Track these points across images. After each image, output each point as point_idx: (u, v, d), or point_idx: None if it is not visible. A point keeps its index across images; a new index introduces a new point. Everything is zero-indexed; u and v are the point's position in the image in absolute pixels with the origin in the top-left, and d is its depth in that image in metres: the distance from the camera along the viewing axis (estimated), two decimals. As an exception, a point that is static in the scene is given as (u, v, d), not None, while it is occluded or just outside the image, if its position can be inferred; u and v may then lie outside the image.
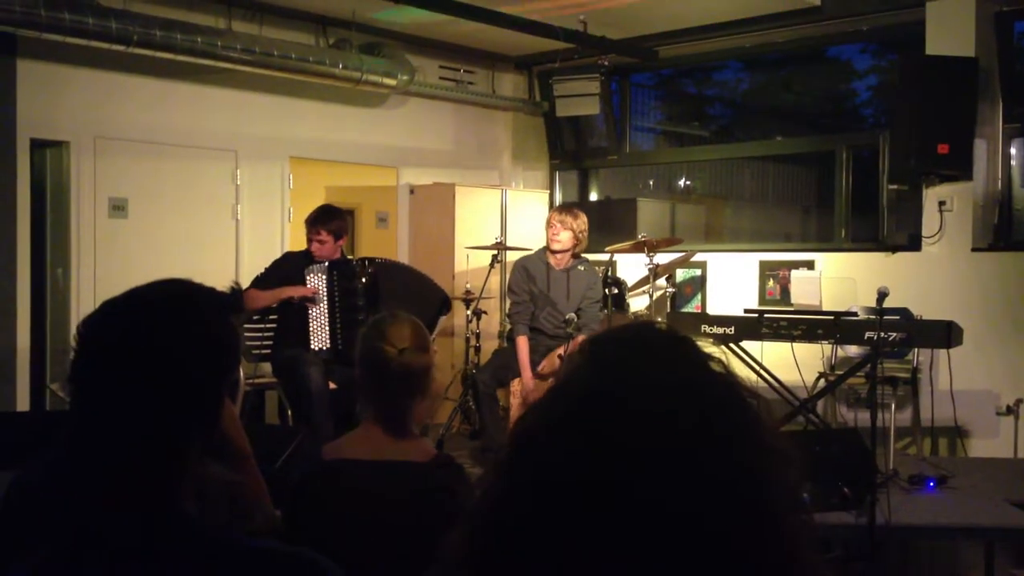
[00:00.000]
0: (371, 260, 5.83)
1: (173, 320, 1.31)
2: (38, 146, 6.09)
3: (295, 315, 5.59)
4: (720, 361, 0.87)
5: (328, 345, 5.59)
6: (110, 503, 1.24)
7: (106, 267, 6.16)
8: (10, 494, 1.90)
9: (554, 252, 6.03)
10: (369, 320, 2.55)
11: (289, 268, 5.67)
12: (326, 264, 5.62)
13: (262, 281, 5.60)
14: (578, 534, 0.76)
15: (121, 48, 5.74)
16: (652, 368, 0.84)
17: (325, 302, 5.59)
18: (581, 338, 5.55)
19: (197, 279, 1.39)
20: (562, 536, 0.77)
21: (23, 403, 5.87)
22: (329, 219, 5.65)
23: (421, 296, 5.87)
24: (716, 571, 0.76)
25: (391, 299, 5.52)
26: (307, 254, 5.71)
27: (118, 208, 6.30)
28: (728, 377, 0.85)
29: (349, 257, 5.86)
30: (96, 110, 6.18)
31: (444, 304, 6.06)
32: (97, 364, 1.27)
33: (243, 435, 2.29)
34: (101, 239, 6.21)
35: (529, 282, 6.03)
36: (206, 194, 6.72)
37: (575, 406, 0.82)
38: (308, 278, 5.59)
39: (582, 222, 6.06)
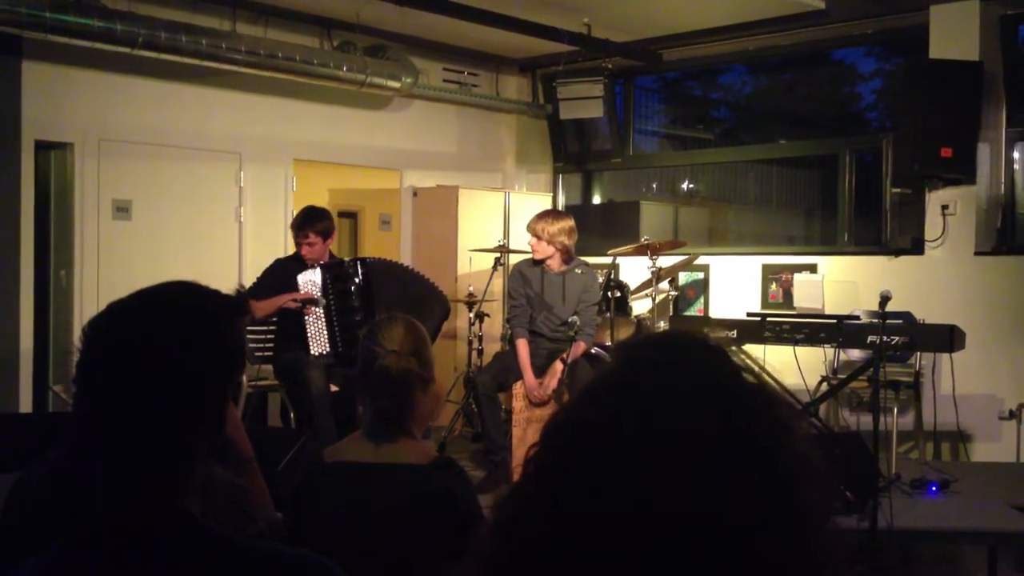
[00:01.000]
0: (363, 260, 5.81)
1: (179, 323, 1.31)
2: (43, 148, 6.11)
3: (293, 320, 5.57)
4: (753, 372, 0.87)
5: (328, 349, 5.57)
6: (114, 505, 1.25)
7: (110, 269, 6.16)
8: (13, 495, 1.91)
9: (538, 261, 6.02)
10: (363, 319, 2.56)
11: (280, 275, 5.64)
12: (317, 268, 5.60)
13: (254, 292, 5.54)
14: (610, 540, 0.76)
15: (126, 50, 5.75)
16: (686, 374, 0.84)
17: (321, 306, 5.57)
18: (582, 344, 5.57)
19: (200, 281, 1.40)
20: (593, 541, 0.76)
21: (26, 404, 5.88)
22: (316, 220, 5.62)
23: (422, 303, 5.82)
24: None
25: (388, 300, 5.51)
26: (297, 258, 5.68)
27: (122, 210, 6.31)
28: (762, 387, 0.85)
29: (338, 260, 5.82)
30: (101, 112, 6.19)
31: (445, 313, 6.03)
32: (102, 366, 1.28)
33: (245, 438, 2.30)
34: (105, 241, 6.22)
35: (525, 286, 6.02)
36: (210, 196, 6.73)
37: (609, 407, 0.82)
38: (301, 283, 5.56)
39: (558, 228, 5.92)
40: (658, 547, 0.75)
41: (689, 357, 0.87)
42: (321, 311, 5.57)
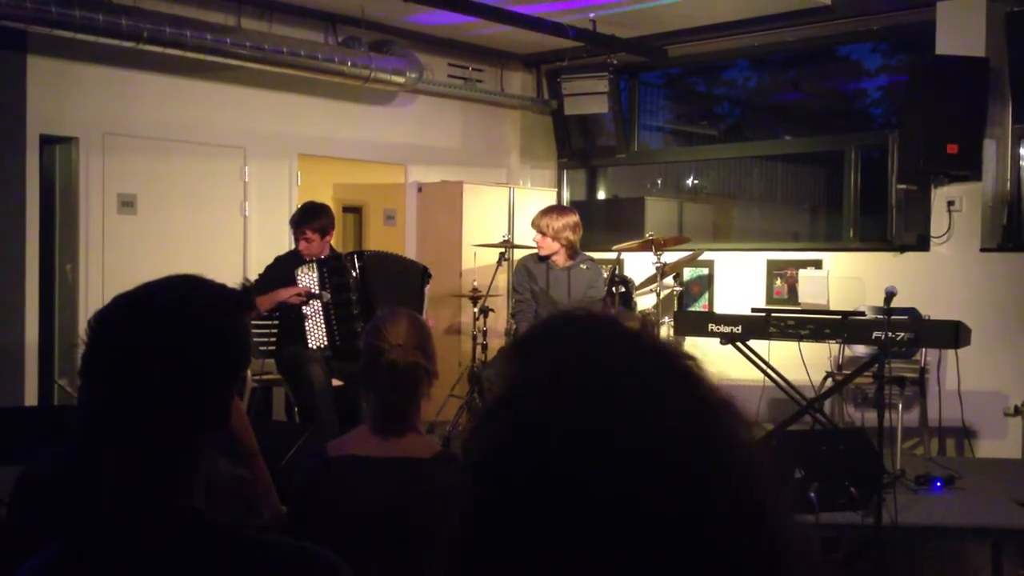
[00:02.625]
0: (360, 254, 5.82)
1: (184, 317, 1.31)
2: (48, 142, 6.11)
3: (293, 315, 5.59)
4: (649, 334, 0.85)
5: (326, 343, 5.59)
6: (120, 498, 1.25)
7: (114, 263, 6.17)
8: (19, 488, 1.91)
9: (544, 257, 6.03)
10: (360, 313, 2.57)
11: (280, 271, 5.66)
12: (314, 263, 5.62)
13: (256, 289, 5.57)
14: (544, 541, 0.75)
15: (131, 45, 5.75)
16: (580, 351, 0.82)
17: (318, 300, 5.59)
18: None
19: (205, 275, 1.40)
20: (528, 547, 0.76)
21: (31, 398, 5.89)
22: (313, 217, 5.63)
23: (403, 277, 5.86)
24: (685, 570, 0.75)
25: (381, 289, 5.53)
26: (296, 254, 5.70)
27: (127, 204, 6.32)
28: (663, 348, 0.84)
29: (338, 254, 5.83)
30: (106, 106, 6.20)
31: (424, 275, 6.03)
32: (108, 359, 1.28)
33: (250, 432, 2.30)
34: (110, 235, 6.22)
35: (531, 281, 6.02)
36: (214, 191, 6.73)
37: (511, 411, 0.81)
38: (299, 278, 5.57)
39: (563, 224, 5.94)
40: (592, 542, 0.74)
41: (578, 334, 0.85)
42: (319, 305, 5.58)
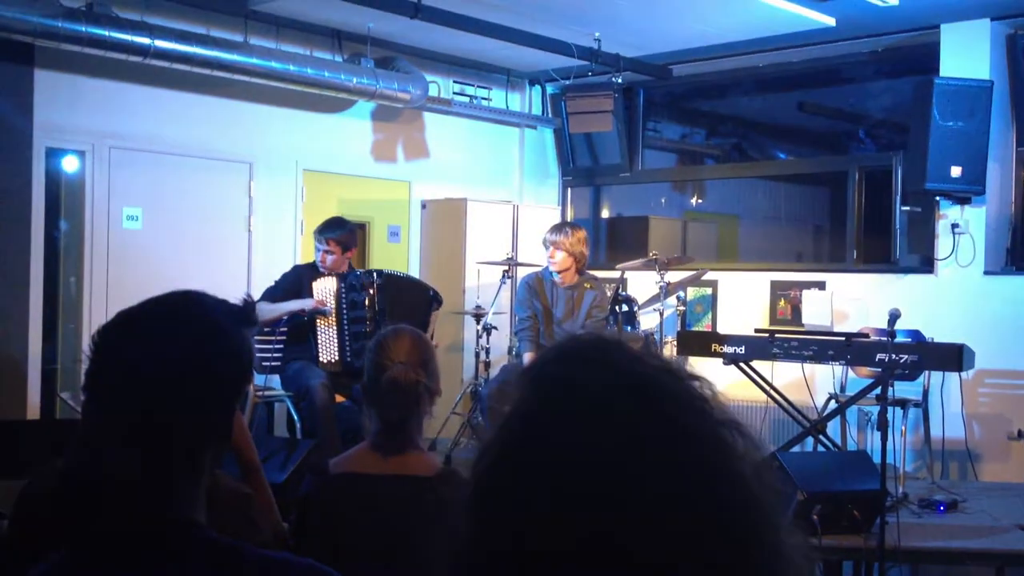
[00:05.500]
0: (378, 272, 5.83)
1: (187, 331, 1.31)
2: (54, 155, 6.13)
3: (304, 328, 5.60)
4: (656, 355, 0.85)
5: (336, 358, 5.59)
6: (122, 513, 1.25)
7: (119, 277, 6.18)
8: (21, 502, 1.91)
9: (553, 274, 6.03)
10: (373, 332, 2.58)
11: (297, 280, 5.68)
12: (333, 277, 5.62)
13: (271, 294, 5.61)
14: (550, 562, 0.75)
15: (138, 59, 5.78)
16: (583, 375, 0.82)
17: (333, 315, 5.59)
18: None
19: (209, 290, 1.40)
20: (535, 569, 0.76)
21: (34, 412, 5.88)
22: (338, 230, 5.66)
23: (413, 300, 5.85)
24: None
25: (394, 310, 5.53)
26: (314, 266, 5.72)
27: (132, 218, 6.33)
28: (667, 369, 0.84)
29: (357, 270, 5.85)
30: (112, 120, 6.22)
31: (434, 299, 6.02)
32: (111, 374, 1.28)
33: (252, 447, 2.30)
34: (115, 249, 6.23)
35: (534, 299, 6.02)
36: (220, 205, 6.75)
37: (520, 436, 0.81)
38: (316, 290, 5.59)
39: (576, 239, 5.97)
40: (595, 560, 0.74)
41: (584, 358, 0.85)
42: (333, 319, 5.59)
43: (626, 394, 0.80)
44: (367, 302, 5.63)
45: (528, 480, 0.78)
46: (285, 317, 5.55)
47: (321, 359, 5.57)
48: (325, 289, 5.60)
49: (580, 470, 0.76)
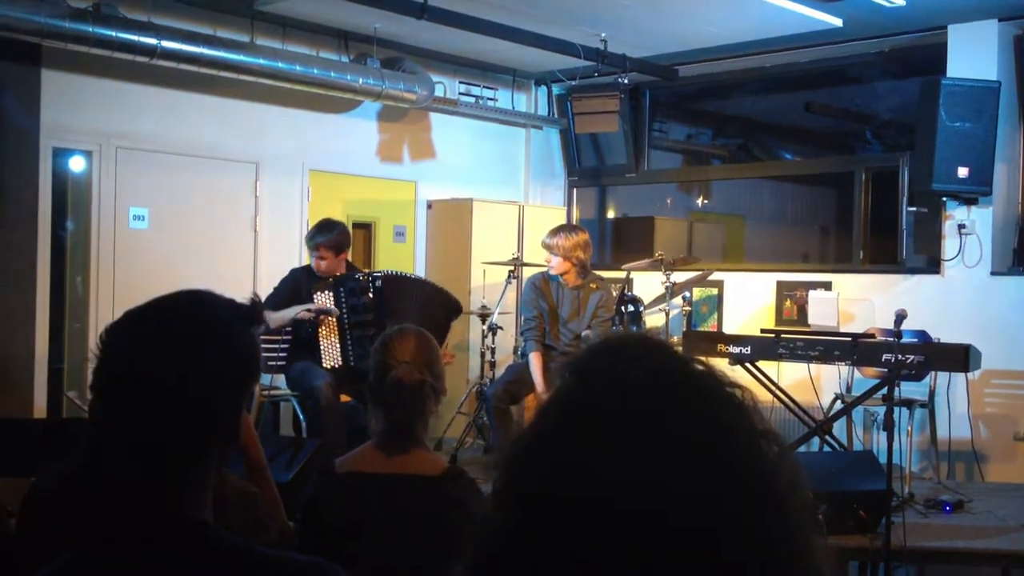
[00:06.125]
0: (377, 273, 5.81)
1: (195, 331, 1.32)
2: (61, 155, 6.15)
3: (306, 332, 5.58)
4: (700, 360, 0.86)
5: (340, 363, 5.58)
6: (129, 511, 1.25)
7: (125, 276, 6.19)
8: (28, 500, 1.92)
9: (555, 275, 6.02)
10: (375, 334, 2.58)
11: (295, 285, 5.65)
12: (331, 281, 5.60)
13: (272, 301, 5.54)
14: (581, 550, 0.76)
15: (145, 60, 5.79)
16: (629, 368, 0.83)
17: (334, 319, 5.57)
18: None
19: (215, 290, 1.40)
20: (565, 556, 0.76)
21: (40, 411, 5.90)
22: (327, 234, 5.60)
23: (427, 304, 5.81)
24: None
25: (399, 312, 5.51)
26: (309, 270, 5.69)
27: (138, 218, 6.34)
28: (710, 373, 0.84)
29: (355, 271, 5.82)
30: (119, 120, 6.23)
31: (454, 311, 5.99)
32: (118, 373, 1.28)
33: (259, 447, 2.30)
34: (121, 248, 6.24)
35: (540, 299, 6.02)
36: (226, 205, 6.76)
37: (558, 422, 0.82)
38: (316, 296, 5.56)
39: (574, 243, 5.92)
40: (625, 554, 0.74)
41: (629, 353, 0.86)
42: (335, 324, 5.57)
43: (666, 388, 0.80)
44: (368, 305, 5.61)
45: (560, 468, 0.78)
46: (288, 326, 5.52)
47: (324, 364, 5.55)
48: (325, 295, 5.57)
49: (614, 459, 0.77)
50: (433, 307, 5.83)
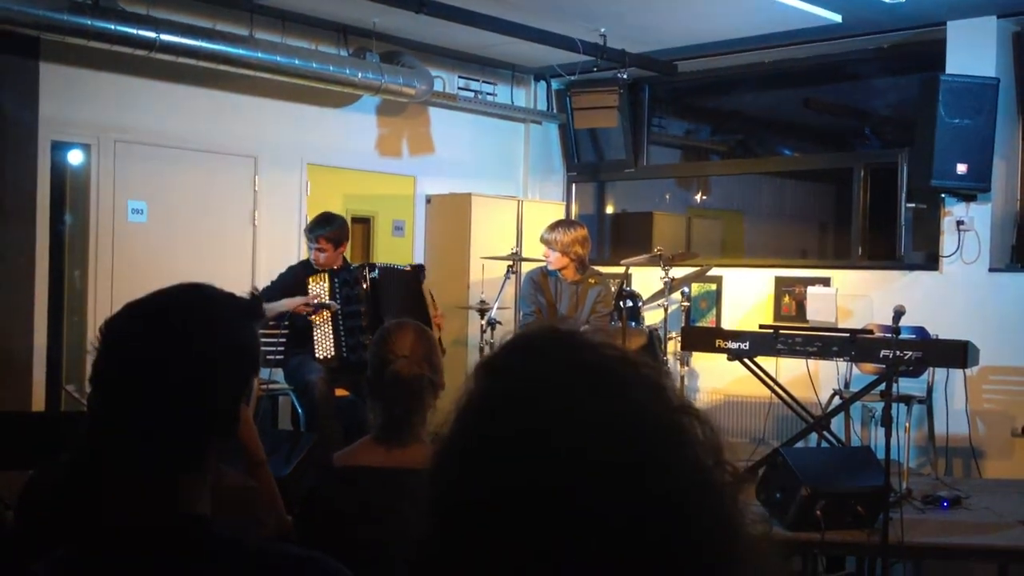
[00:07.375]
0: (372, 266, 5.84)
1: (195, 324, 1.32)
2: (59, 148, 6.14)
3: (302, 324, 5.60)
4: (612, 346, 0.86)
5: (333, 353, 5.60)
6: (127, 505, 1.25)
7: (124, 270, 6.19)
8: (26, 494, 1.92)
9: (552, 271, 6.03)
10: (369, 326, 2.58)
11: (292, 280, 5.68)
12: (327, 273, 5.63)
13: (267, 294, 5.57)
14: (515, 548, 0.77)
15: (144, 53, 5.78)
16: (540, 362, 0.84)
17: (327, 311, 5.60)
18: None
19: (214, 283, 1.40)
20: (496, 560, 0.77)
21: (38, 404, 5.90)
22: (327, 226, 5.64)
23: (409, 287, 5.83)
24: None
25: (392, 303, 5.53)
26: (307, 264, 5.73)
27: (137, 211, 6.34)
28: (623, 357, 0.85)
29: (350, 266, 5.84)
30: (117, 114, 6.23)
31: (419, 270, 6.02)
32: (117, 366, 1.28)
33: (257, 441, 2.30)
34: (119, 242, 6.24)
35: (539, 294, 6.02)
36: (225, 199, 6.76)
37: (471, 424, 0.83)
38: (311, 287, 5.60)
39: (572, 239, 5.92)
40: (545, 551, 0.75)
41: (534, 350, 0.86)
42: (328, 315, 5.60)
43: (578, 377, 0.81)
44: (361, 296, 5.64)
45: (476, 469, 0.79)
46: (286, 311, 5.54)
47: (318, 355, 5.58)
48: (319, 286, 5.61)
49: (536, 453, 0.77)
50: (406, 279, 5.84)
